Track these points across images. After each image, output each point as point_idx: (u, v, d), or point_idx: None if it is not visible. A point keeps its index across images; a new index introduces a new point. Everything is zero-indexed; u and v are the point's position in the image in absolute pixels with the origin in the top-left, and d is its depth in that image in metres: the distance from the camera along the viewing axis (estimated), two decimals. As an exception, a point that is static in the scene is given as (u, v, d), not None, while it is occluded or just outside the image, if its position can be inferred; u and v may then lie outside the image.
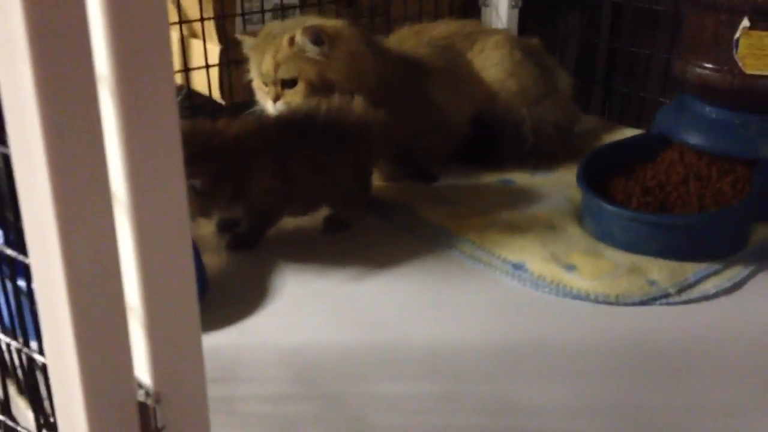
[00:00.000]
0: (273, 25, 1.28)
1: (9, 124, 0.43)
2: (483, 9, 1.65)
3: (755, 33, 1.11)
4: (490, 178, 1.34)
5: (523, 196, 1.28)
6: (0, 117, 0.57)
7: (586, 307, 1.03)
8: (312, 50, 1.21)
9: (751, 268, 1.10)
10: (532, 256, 1.10)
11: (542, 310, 1.02)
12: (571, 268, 1.08)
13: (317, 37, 1.21)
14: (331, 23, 1.27)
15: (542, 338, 0.97)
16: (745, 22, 1.11)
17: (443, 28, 1.44)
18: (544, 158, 1.39)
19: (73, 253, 0.45)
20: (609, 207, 1.13)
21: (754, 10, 1.10)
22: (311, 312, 1.02)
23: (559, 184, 1.32)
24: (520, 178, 1.35)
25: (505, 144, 1.39)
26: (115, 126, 0.46)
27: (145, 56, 0.46)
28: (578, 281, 1.05)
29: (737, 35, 1.12)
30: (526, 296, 1.05)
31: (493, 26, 1.61)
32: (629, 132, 1.48)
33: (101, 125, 0.45)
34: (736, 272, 1.09)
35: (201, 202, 1.04)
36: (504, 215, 1.21)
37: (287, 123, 1.14)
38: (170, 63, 0.47)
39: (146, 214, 0.48)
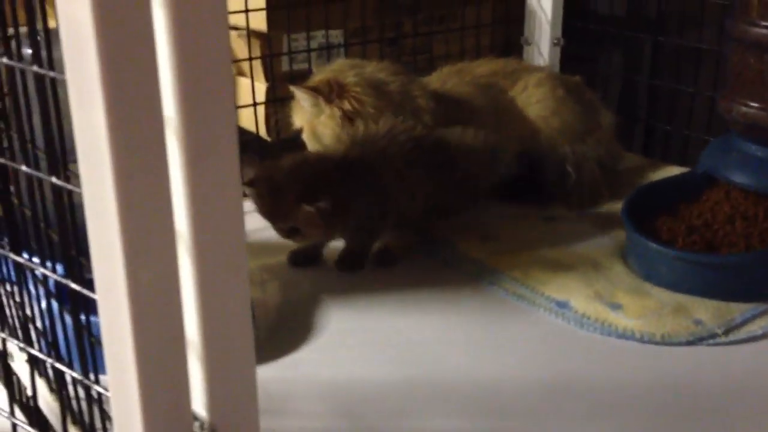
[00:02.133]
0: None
1: (82, 165, 0.45)
2: (525, 47, 1.66)
3: (802, 72, 1.11)
4: (533, 215, 1.35)
5: (566, 234, 1.29)
6: (64, 156, 0.59)
7: (631, 347, 1.02)
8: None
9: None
10: (576, 294, 1.10)
11: (586, 349, 1.02)
12: (616, 306, 1.07)
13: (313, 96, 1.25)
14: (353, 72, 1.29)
15: (586, 376, 0.97)
16: (793, 62, 1.11)
17: (486, 67, 1.46)
18: (587, 196, 1.39)
19: (138, 288, 0.46)
20: (654, 246, 1.12)
21: (801, 50, 1.10)
22: (355, 347, 1.03)
23: (603, 222, 1.32)
24: (563, 215, 1.35)
25: (548, 181, 1.39)
26: (180, 166, 0.47)
27: (209, 99, 0.48)
28: (623, 320, 1.05)
29: (783, 75, 1.12)
30: (569, 334, 1.05)
31: (535, 64, 1.62)
32: (672, 170, 1.48)
33: (167, 166, 0.47)
34: (785, 313, 1.08)
35: (326, 224, 1.09)
36: (547, 252, 1.22)
37: (402, 144, 1.18)
38: (233, 106, 0.49)
39: (207, 250, 0.49)
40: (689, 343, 1.02)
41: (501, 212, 1.35)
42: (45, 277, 0.63)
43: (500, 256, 1.20)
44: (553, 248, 1.23)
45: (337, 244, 1.20)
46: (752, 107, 1.18)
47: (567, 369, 0.98)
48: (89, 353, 0.64)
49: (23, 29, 0.60)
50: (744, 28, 1.16)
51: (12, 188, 0.71)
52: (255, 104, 1.44)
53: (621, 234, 1.23)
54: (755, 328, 1.05)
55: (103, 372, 0.52)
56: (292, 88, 1.28)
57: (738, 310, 1.07)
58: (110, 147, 0.43)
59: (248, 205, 1.10)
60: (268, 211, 1.11)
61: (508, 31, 1.67)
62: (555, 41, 1.63)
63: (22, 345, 0.70)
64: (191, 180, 0.48)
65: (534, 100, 1.42)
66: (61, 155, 0.56)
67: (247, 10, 1.38)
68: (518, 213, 1.35)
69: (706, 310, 1.07)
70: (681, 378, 0.97)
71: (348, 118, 1.26)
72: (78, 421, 0.74)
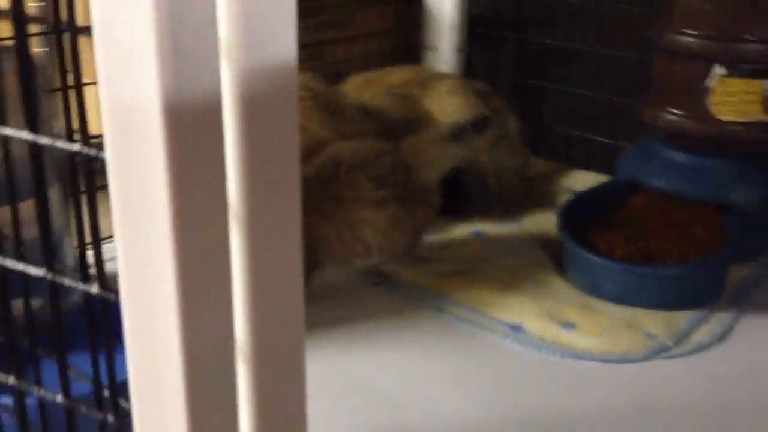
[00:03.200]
0: None
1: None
2: (429, 53, 1.62)
3: (729, 80, 1.12)
4: (461, 231, 1.30)
5: (498, 248, 1.25)
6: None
7: (591, 367, 1.00)
8: None
9: (734, 311, 1.11)
10: (528, 315, 1.06)
11: (546, 373, 0.99)
12: (569, 326, 1.05)
13: None
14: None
15: (558, 404, 0.93)
16: (720, 70, 1.12)
17: (397, 76, 1.40)
18: (509, 205, 1.37)
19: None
20: (600, 260, 1.11)
21: (728, 59, 1.11)
22: (313, 396, 0.94)
23: (529, 233, 1.30)
24: (490, 228, 1.32)
25: (471, 193, 1.35)
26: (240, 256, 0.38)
27: (273, 189, 0.39)
28: (580, 340, 1.02)
29: (711, 83, 1.13)
30: (528, 358, 1.01)
31: (440, 70, 1.58)
32: (580, 174, 1.48)
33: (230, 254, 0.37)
34: (723, 317, 1.09)
35: None
36: (486, 271, 1.17)
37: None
38: (298, 199, 0.40)
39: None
40: (646, 359, 1.01)
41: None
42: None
43: (441, 280, 1.14)
44: (490, 266, 1.19)
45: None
46: (677, 114, 1.19)
47: (536, 398, 0.94)
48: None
49: None
50: (668, 37, 1.17)
51: None
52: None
53: (552, 246, 1.22)
54: (702, 337, 1.05)
55: None
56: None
57: (683, 318, 1.08)
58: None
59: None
60: None
61: (408, 37, 1.62)
62: (459, 47, 1.59)
63: None
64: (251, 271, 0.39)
65: (450, 110, 1.38)
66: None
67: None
68: (445, 229, 1.30)
69: (655, 322, 1.06)
70: (646, 394, 0.95)
71: None
72: None
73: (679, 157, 1.21)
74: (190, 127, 0.35)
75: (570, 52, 1.58)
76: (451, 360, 1.00)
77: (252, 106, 0.37)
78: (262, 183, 0.38)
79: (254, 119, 0.37)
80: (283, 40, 0.38)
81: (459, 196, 1.36)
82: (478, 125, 1.26)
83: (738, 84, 1.12)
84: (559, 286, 1.14)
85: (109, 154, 0.35)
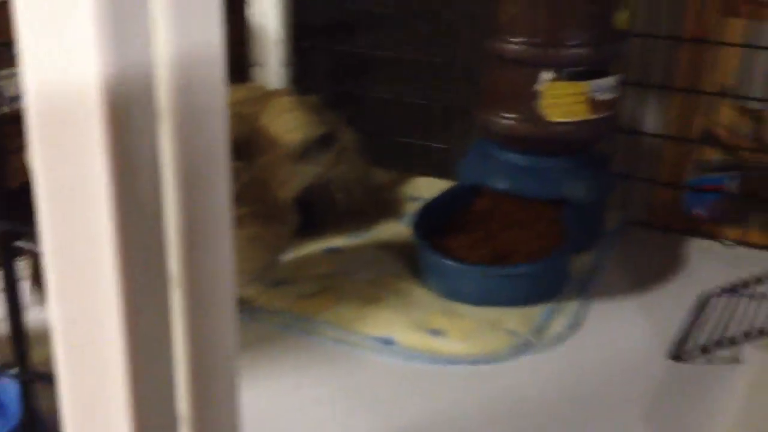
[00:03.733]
0: None
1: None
2: (257, 69, 1.59)
3: (556, 84, 1.19)
4: (315, 249, 1.29)
5: (354, 262, 1.25)
6: None
7: (460, 371, 1.03)
8: None
9: (580, 299, 1.17)
10: (396, 327, 1.07)
11: (422, 382, 1.00)
12: (437, 333, 1.07)
13: None
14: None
15: (431, 410, 0.95)
16: (547, 75, 1.18)
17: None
18: (356, 217, 1.37)
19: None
20: (458, 265, 1.14)
21: (554, 63, 1.18)
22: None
23: (381, 244, 1.31)
24: (342, 243, 1.32)
25: (322, 210, 1.35)
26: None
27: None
28: (449, 345, 1.05)
29: (540, 87, 1.20)
30: (401, 370, 1.02)
31: (272, 87, 1.56)
32: (421, 181, 1.51)
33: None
34: (572, 307, 1.16)
35: None
36: (346, 287, 1.17)
37: None
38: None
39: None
40: (512, 356, 1.05)
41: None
42: None
43: (304, 301, 1.13)
44: (349, 281, 1.19)
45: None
46: (510, 119, 1.24)
47: (416, 408, 0.96)
48: None
49: None
50: (496, 45, 1.22)
51: None
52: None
53: (405, 254, 1.24)
54: (558, 327, 1.11)
55: None
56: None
57: (539, 312, 1.13)
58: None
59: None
60: None
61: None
62: (285, 62, 1.58)
63: None
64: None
65: (291, 127, 1.36)
66: None
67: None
68: (298, 248, 1.29)
69: (515, 319, 1.11)
70: (518, 390, 0.99)
71: None
72: None
73: (515, 159, 1.27)
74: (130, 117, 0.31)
75: (398, 60, 1.61)
76: (328, 382, 0.99)
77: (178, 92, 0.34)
78: (193, 182, 0.35)
79: (184, 105, 0.35)
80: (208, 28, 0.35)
81: (311, 213, 1.35)
82: (324, 141, 1.26)
83: (565, 87, 1.19)
84: (420, 294, 1.16)
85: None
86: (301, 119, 1.37)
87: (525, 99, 1.22)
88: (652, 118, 1.41)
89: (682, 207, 1.43)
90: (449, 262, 1.14)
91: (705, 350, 1.05)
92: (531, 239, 1.22)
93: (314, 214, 1.35)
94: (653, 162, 1.42)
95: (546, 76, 1.19)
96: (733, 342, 1.05)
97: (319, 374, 1.01)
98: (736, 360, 1.04)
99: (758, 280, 1.18)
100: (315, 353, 1.05)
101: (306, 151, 1.21)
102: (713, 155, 1.43)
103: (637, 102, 1.42)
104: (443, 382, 1.00)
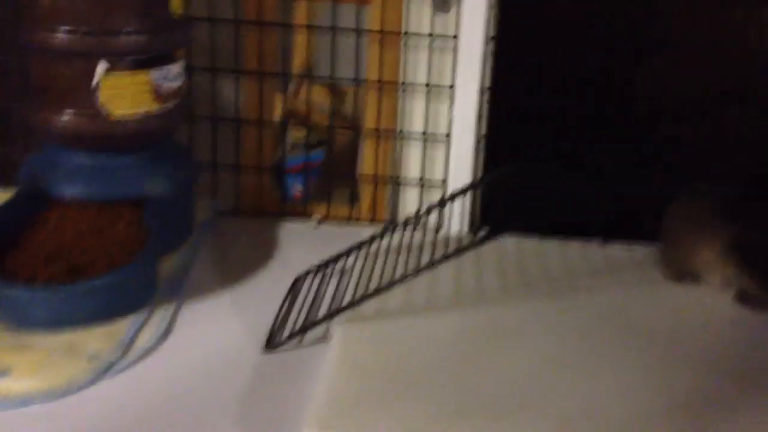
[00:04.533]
0: None
1: None
2: None
3: (116, 75, 1.09)
4: None
5: None
6: None
7: (34, 411, 0.90)
8: None
9: (172, 304, 1.10)
10: (-53, 376, 0.90)
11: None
12: (3, 374, 0.92)
13: None
14: None
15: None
16: (104, 66, 1.08)
17: None
18: None
19: None
20: (21, 290, 0.99)
21: (110, 53, 1.08)
22: None
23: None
24: None
25: None
26: None
27: None
28: (17, 385, 0.91)
29: (98, 79, 1.09)
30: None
31: None
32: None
33: None
34: (164, 313, 1.08)
35: None
36: None
37: None
38: None
39: None
40: (91, 383, 0.95)
41: None
42: None
43: None
44: None
45: None
46: (69, 116, 1.12)
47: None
48: None
49: None
50: (41, 37, 1.08)
51: None
52: None
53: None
54: (147, 339, 1.03)
55: None
56: None
57: (125, 326, 1.03)
58: None
59: None
60: None
61: None
62: None
63: None
64: None
65: None
66: None
67: None
68: None
69: (97, 340, 1.00)
70: (100, 420, 0.89)
71: None
72: None
73: (82, 160, 1.15)
74: None
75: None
76: None
77: None
78: None
79: None
80: None
81: None
82: None
83: (124, 78, 1.10)
84: (-19, 329, 1.00)
85: None
86: None
87: (82, 94, 1.10)
88: (229, 103, 1.38)
89: (273, 190, 1.42)
90: (11, 289, 0.99)
91: (296, 335, 1.04)
92: (110, 247, 1.11)
93: None
94: (237, 148, 1.39)
95: (102, 67, 1.08)
96: (320, 322, 1.05)
97: None
98: (324, 339, 1.04)
99: (341, 256, 1.20)
100: None
101: None
102: (299, 135, 1.44)
103: (213, 87, 1.37)
104: (17, 429, 0.87)
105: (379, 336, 1.04)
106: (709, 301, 1.16)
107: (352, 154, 1.44)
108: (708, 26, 1.33)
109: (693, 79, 1.33)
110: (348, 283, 1.15)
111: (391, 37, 1.34)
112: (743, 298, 1.16)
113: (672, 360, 1.02)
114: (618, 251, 1.30)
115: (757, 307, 1.14)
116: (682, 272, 1.20)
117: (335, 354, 0.99)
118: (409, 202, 1.41)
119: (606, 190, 1.28)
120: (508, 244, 1.29)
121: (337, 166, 1.45)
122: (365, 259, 1.22)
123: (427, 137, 1.38)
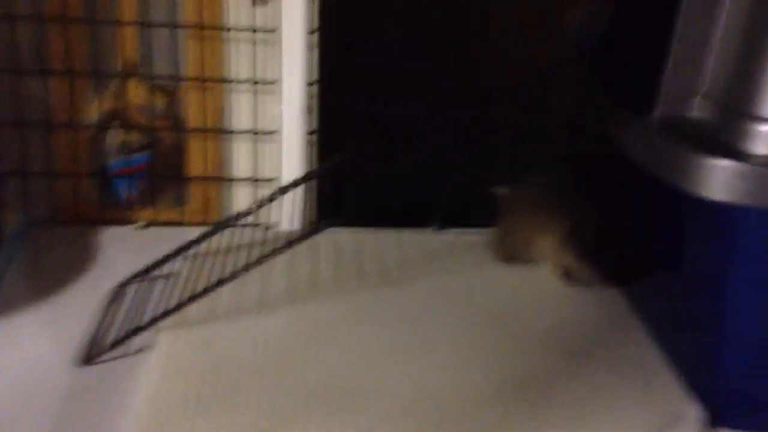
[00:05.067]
0: None
1: None
2: None
3: None
4: None
5: None
6: None
7: None
8: None
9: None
10: None
11: None
12: None
13: None
14: None
15: None
16: None
17: None
18: None
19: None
20: None
21: None
22: None
23: None
24: None
25: None
26: None
27: None
28: None
29: None
30: None
31: None
32: None
33: None
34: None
35: None
36: None
37: None
38: None
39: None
40: None
41: None
42: None
43: None
44: None
45: None
46: None
47: None
48: None
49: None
50: None
51: None
52: None
53: None
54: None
55: None
56: None
57: None
58: None
59: None
60: None
61: None
62: None
63: None
64: None
65: None
66: None
67: None
68: None
69: None
70: None
71: None
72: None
73: None
74: None
75: None
76: None
77: None
78: None
79: None
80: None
81: None
82: None
83: None
84: None
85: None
86: None
87: None
88: (36, 107, 1.28)
89: (97, 196, 1.33)
90: None
91: (117, 344, 0.97)
92: None
93: None
94: (48, 153, 1.29)
95: None
96: (144, 328, 0.99)
97: None
98: (148, 347, 0.98)
99: (168, 258, 1.14)
100: None
101: None
102: (127, 137, 1.36)
103: (17, 90, 1.27)
104: None
105: (206, 340, 0.99)
106: (540, 282, 1.18)
107: (178, 155, 1.38)
108: (524, 11, 1.36)
109: (511, 65, 1.36)
110: (175, 285, 1.09)
111: (210, 31, 1.29)
112: (569, 276, 1.19)
113: (504, 339, 1.03)
114: (451, 236, 1.31)
115: (581, 284, 1.18)
116: (513, 256, 1.22)
117: (159, 361, 0.93)
118: (243, 201, 1.36)
119: (435, 177, 1.28)
120: (344, 236, 1.27)
121: (163, 168, 1.38)
122: (194, 260, 1.16)
123: (257, 134, 1.33)
